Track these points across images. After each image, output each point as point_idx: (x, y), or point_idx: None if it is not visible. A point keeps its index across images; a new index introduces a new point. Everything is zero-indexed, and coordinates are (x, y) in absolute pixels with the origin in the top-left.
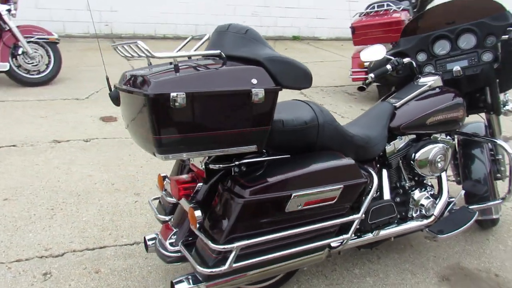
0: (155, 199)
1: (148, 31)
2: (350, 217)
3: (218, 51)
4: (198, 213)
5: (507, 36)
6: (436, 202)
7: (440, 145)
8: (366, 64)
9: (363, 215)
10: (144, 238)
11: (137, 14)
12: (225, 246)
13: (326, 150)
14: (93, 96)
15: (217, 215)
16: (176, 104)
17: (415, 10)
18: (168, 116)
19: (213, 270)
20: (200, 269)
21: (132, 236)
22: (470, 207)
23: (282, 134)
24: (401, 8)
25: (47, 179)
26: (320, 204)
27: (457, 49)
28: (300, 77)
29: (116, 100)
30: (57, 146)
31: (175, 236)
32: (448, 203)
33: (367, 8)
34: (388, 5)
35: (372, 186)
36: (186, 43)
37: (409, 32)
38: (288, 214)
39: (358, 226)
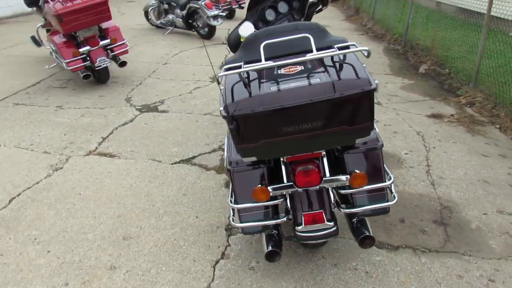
0: (230, 219)
1: None
2: None
3: (367, 48)
4: (364, 174)
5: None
6: None
7: None
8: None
9: None
10: (271, 251)
11: None
12: (391, 181)
13: None
14: None
15: (365, 168)
16: (376, 90)
17: None
18: (373, 103)
19: (394, 201)
20: (390, 203)
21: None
22: None
23: None
24: None
25: None
26: None
27: (279, 14)
28: None
29: None
30: None
31: (325, 213)
32: None
33: None
34: None
35: None
36: None
37: (250, 7)
38: None
39: None
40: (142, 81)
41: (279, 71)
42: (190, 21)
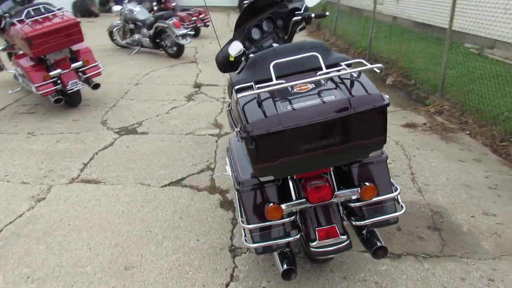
0: (242, 239)
1: None
2: None
3: (381, 65)
4: (373, 186)
5: (299, 18)
6: None
7: None
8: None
9: None
10: (288, 269)
11: None
12: (398, 191)
13: None
14: None
15: (373, 180)
16: (389, 105)
17: None
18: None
19: (403, 211)
20: (399, 213)
21: None
22: None
23: None
24: (63, 11)
25: None
26: None
27: (264, 32)
28: None
29: None
30: None
31: (338, 227)
32: None
33: (20, 15)
34: (46, 8)
35: None
36: None
37: (237, 27)
38: None
39: None
40: (115, 103)
41: (291, 89)
42: (158, 40)
